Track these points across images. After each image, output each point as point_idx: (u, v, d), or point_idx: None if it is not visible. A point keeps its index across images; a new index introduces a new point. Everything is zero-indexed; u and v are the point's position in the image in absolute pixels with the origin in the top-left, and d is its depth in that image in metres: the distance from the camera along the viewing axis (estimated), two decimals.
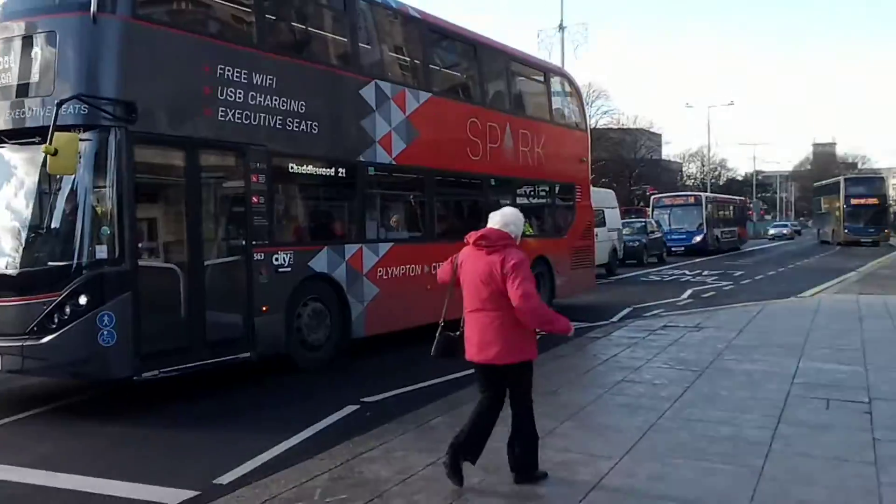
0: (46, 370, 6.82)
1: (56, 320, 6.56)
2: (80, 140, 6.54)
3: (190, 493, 4.76)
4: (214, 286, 7.61)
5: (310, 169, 8.98)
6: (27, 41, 6.99)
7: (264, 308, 8.05)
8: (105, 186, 6.69)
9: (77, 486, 5.01)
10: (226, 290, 7.83)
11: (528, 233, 13.56)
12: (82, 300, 6.54)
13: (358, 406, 7.02)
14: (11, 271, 6.85)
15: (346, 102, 9.45)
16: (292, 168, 8.73)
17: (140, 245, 6.98)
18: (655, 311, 13.88)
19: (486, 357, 4.41)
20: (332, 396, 7.42)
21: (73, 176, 6.63)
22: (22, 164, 6.97)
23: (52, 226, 6.91)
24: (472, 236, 4.50)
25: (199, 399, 7.48)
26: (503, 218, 4.55)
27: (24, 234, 6.97)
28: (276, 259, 8.25)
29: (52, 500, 4.84)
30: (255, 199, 8.02)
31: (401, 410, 6.62)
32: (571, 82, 15.36)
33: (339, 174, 9.40)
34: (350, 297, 9.27)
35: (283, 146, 8.43)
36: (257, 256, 8.01)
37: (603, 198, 24.84)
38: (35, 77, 6.90)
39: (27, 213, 6.98)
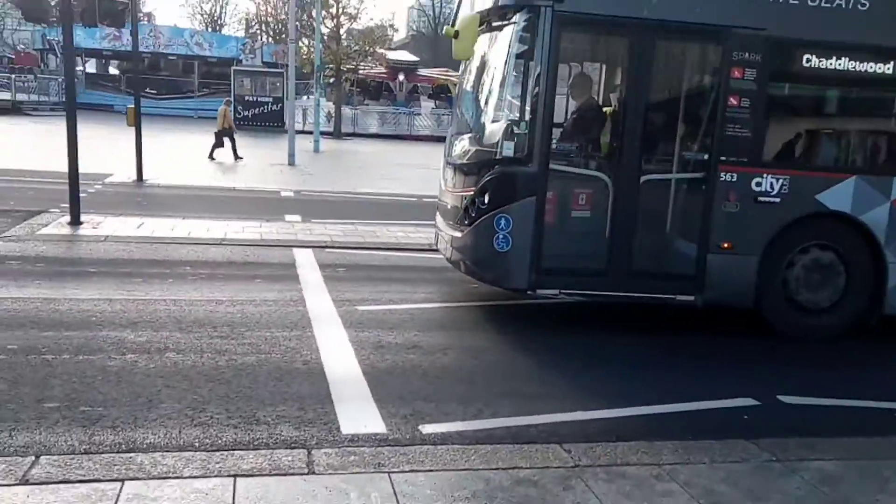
0: (461, 266, 6.69)
1: (468, 216, 6.33)
2: (505, 25, 5.97)
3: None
4: (653, 206, 6.17)
5: (842, 63, 6.25)
6: None
7: (725, 244, 6.17)
8: (523, 77, 5.96)
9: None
10: (669, 214, 6.27)
11: None
12: (485, 199, 6.10)
13: (756, 403, 4.77)
14: (457, 161, 6.86)
15: None
16: (809, 61, 6.23)
17: (557, 146, 6.07)
18: None
19: None
20: (743, 377, 5.28)
21: (497, 65, 6.14)
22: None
23: (480, 118, 6.56)
24: None
25: (607, 331, 6.34)
26: None
27: (466, 125, 6.87)
28: (758, 184, 6.14)
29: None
30: (732, 102, 6.05)
31: (815, 430, 4.31)
32: None
33: None
34: (888, 254, 6.35)
35: (796, 29, 6.05)
36: (725, 177, 6.11)
37: None
38: None
39: (467, 104, 6.84)
